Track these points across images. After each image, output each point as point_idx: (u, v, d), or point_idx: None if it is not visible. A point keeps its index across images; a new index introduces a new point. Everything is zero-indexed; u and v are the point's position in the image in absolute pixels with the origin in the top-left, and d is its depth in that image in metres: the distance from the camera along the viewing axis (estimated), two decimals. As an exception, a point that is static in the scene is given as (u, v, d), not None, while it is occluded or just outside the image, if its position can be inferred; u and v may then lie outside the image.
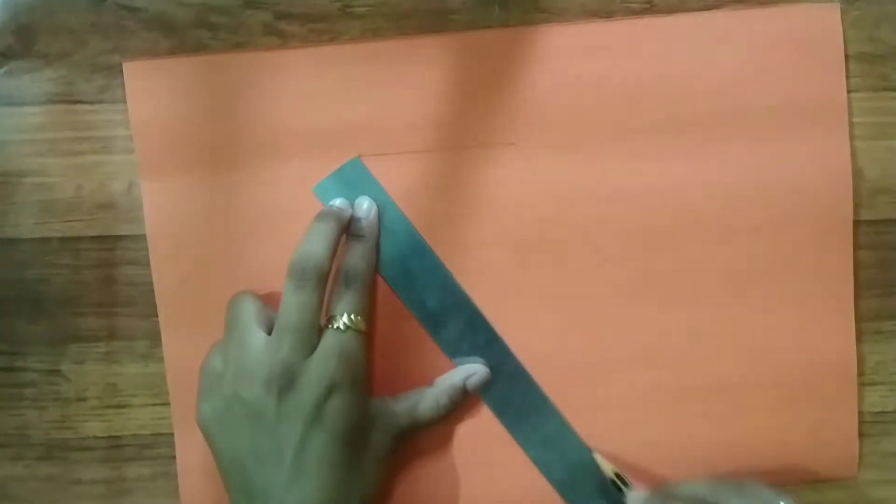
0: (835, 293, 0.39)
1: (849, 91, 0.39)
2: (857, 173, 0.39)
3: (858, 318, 0.40)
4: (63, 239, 0.38)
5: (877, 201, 0.40)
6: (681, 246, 0.39)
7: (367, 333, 0.36)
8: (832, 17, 0.39)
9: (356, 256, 0.37)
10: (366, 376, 0.36)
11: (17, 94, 0.38)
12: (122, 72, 0.38)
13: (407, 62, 0.38)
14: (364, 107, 0.38)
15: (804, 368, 0.39)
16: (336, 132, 0.38)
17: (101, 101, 0.38)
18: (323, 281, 0.35)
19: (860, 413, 0.40)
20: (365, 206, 0.38)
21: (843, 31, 0.39)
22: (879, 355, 0.40)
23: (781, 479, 0.39)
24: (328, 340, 0.35)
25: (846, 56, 0.39)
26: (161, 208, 0.38)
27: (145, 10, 0.37)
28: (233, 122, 0.38)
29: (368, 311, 0.37)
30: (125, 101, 0.38)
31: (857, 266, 0.40)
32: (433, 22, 0.38)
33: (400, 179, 0.38)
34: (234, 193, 0.38)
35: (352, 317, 0.35)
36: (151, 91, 0.38)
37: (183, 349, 0.38)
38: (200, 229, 0.38)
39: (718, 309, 0.39)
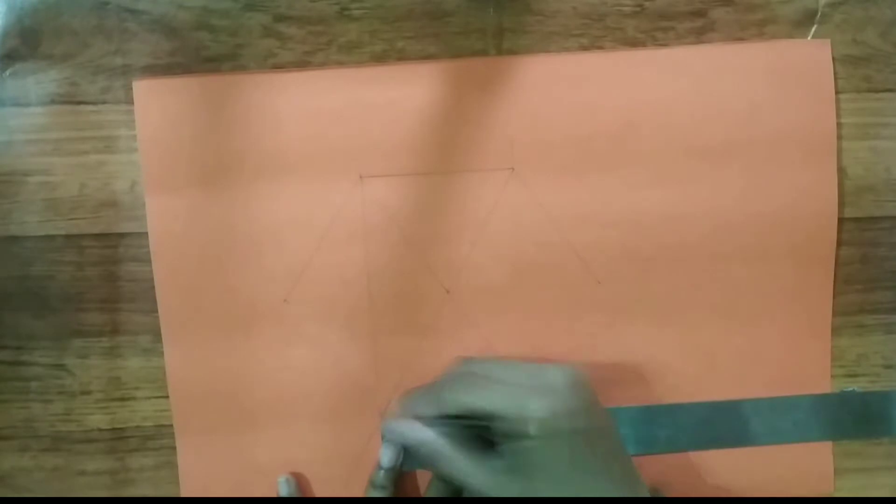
0: (813, 318, 0.41)
1: (837, 93, 0.40)
2: (841, 172, 0.40)
3: (841, 313, 0.41)
4: (67, 236, 0.39)
5: (860, 199, 0.41)
6: (670, 269, 0.40)
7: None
8: (823, 54, 0.40)
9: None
10: None
11: (22, 95, 0.38)
12: (124, 73, 0.38)
13: (410, 86, 0.39)
14: (366, 129, 0.39)
15: (783, 387, 0.41)
16: (337, 153, 0.39)
17: (104, 102, 0.38)
18: None
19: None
20: None
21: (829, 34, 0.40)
22: (860, 348, 0.41)
23: (759, 490, 0.41)
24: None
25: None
26: (165, 223, 0.39)
27: (147, 12, 0.38)
28: (237, 141, 0.38)
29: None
30: (128, 102, 0.38)
31: (841, 262, 0.41)
32: (429, 24, 0.39)
33: (400, 200, 0.39)
34: (235, 210, 0.39)
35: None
36: (159, 109, 0.38)
37: (183, 359, 0.39)
38: (203, 245, 0.39)
39: (704, 331, 0.40)
